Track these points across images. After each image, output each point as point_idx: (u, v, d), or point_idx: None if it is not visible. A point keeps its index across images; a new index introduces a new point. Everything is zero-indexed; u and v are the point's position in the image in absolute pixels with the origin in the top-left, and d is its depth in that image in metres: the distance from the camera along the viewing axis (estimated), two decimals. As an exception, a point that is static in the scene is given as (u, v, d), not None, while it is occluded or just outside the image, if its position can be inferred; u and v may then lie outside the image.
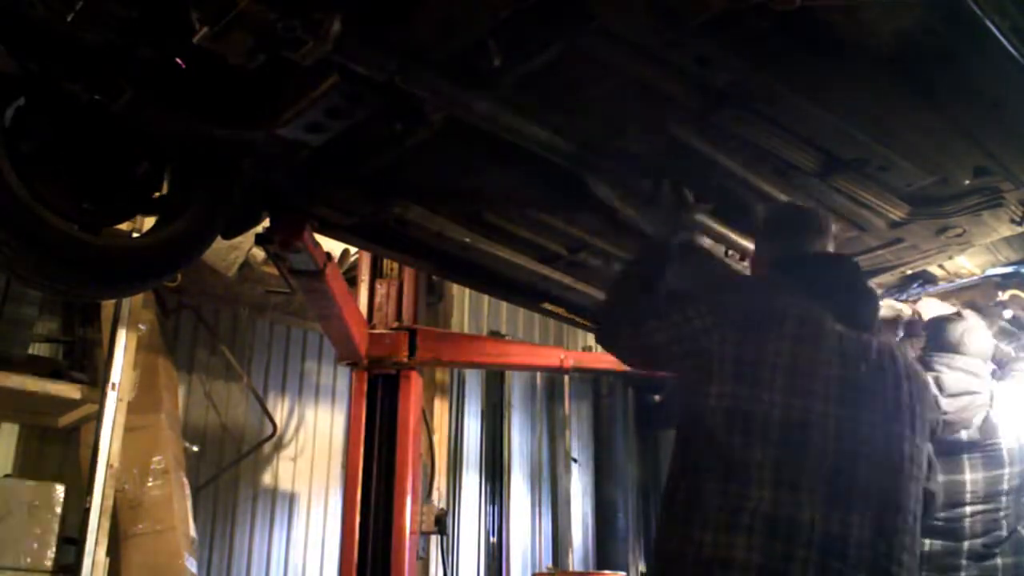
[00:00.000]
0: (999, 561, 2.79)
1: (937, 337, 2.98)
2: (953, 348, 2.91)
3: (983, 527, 2.82)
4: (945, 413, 2.73)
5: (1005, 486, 2.86)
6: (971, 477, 2.85)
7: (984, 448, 2.87)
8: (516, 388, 5.57)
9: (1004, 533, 2.82)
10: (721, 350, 1.92)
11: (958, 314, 2.99)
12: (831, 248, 2.24)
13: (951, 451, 2.79)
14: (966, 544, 2.79)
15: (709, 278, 2.64)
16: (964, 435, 2.84)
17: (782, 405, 1.86)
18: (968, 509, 2.82)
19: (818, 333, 1.94)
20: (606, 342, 2.28)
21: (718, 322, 1.95)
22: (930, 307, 3.09)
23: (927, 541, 2.74)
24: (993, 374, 3.02)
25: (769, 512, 1.78)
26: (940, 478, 2.73)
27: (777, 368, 1.88)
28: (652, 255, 2.29)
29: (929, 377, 2.73)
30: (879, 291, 2.96)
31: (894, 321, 3.09)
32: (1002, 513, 2.84)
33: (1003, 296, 3.08)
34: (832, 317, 1.98)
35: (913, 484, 1.94)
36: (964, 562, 2.78)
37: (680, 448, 2.02)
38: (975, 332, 2.94)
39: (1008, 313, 3.20)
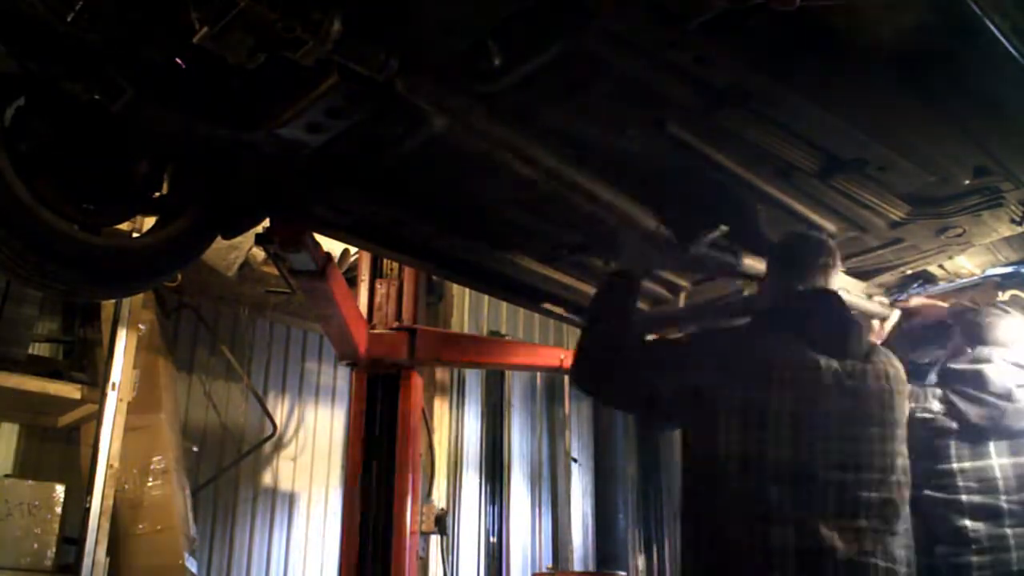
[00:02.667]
0: None
1: (980, 333, 2.96)
2: (1002, 343, 2.91)
3: None
4: (1019, 403, 2.77)
5: None
6: None
7: None
8: (516, 388, 5.57)
9: None
10: (728, 404, 2.07)
11: (996, 308, 2.98)
12: (835, 279, 2.34)
13: (1017, 435, 2.82)
14: None
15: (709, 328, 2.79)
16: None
17: (789, 448, 2.03)
18: None
19: (815, 376, 2.09)
20: (593, 384, 2.39)
21: (727, 380, 2.09)
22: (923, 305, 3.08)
23: (1009, 532, 2.76)
24: None
25: (795, 546, 1.95)
26: (1007, 460, 2.82)
27: (782, 415, 2.04)
28: (621, 293, 2.37)
29: (1010, 380, 2.79)
30: (882, 290, 2.97)
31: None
32: None
33: (1003, 296, 3.08)
34: (826, 355, 2.12)
35: (905, 490, 2.14)
36: None
37: (695, 491, 2.19)
38: (1015, 327, 2.94)
39: (1008, 313, 3.20)
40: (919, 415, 2.73)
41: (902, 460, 2.14)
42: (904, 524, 2.11)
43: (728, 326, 2.71)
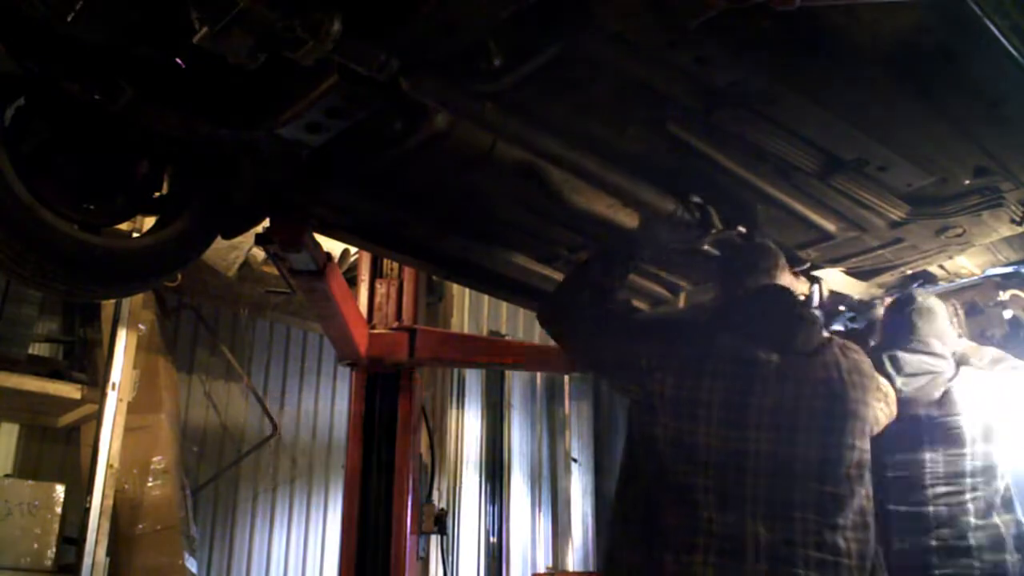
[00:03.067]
0: (976, 562, 2.61)
1: (889, 319, 2.91)
2: (907, 329, 2.81)
3: (948, 513, 2.66)
4: (900, 392, 2.63)
5: (967, 466, 2.70)
6: (930, 456, 2.71)
7: (943, 426, 2.72)
8: (516, 388, 5.57)
9: (972, 520, 2.66)
10: (662, 390, 2.16)
11: (910, 296, 2.90)
12: (779, 278, 2.40)
13: (910, 430, 2.68)
14: (934, 540, 2.64)
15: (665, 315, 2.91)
16: (922, 412, 2.72)
17: (718, 437, 2.09)
18: (930, 492, 2.68)
19: (750, 369, 2.15)
20: (549, 329, 2.52)
21: (661, 365, 2.19)
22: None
23: (896, 540, 2.66)
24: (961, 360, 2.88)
25: (718, 532, 2.02)
26: (899, 457, 2.69)
27: (712, 405, 2.11)
28: (616, 260, 2.45)
29: (885, 357, 2.71)
30: (883, 292, 2.97)
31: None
32: (968, 496, 2.68)
33: (1003, 296, 3.07)
34: (767, 349, 2.17)
35: (858, 484, 2.13)
36: (935, 560, 2.62)
37: (631, 469, 2.28)
38: (924, 313, 2.83)
39: (1008, 313, 3.18)
40: None
41: (856, 453, 2.13)
42: (857, 517, 2.09)
43: (691, 318, 2.79)
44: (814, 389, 2.14)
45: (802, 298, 2.64)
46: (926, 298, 2.87)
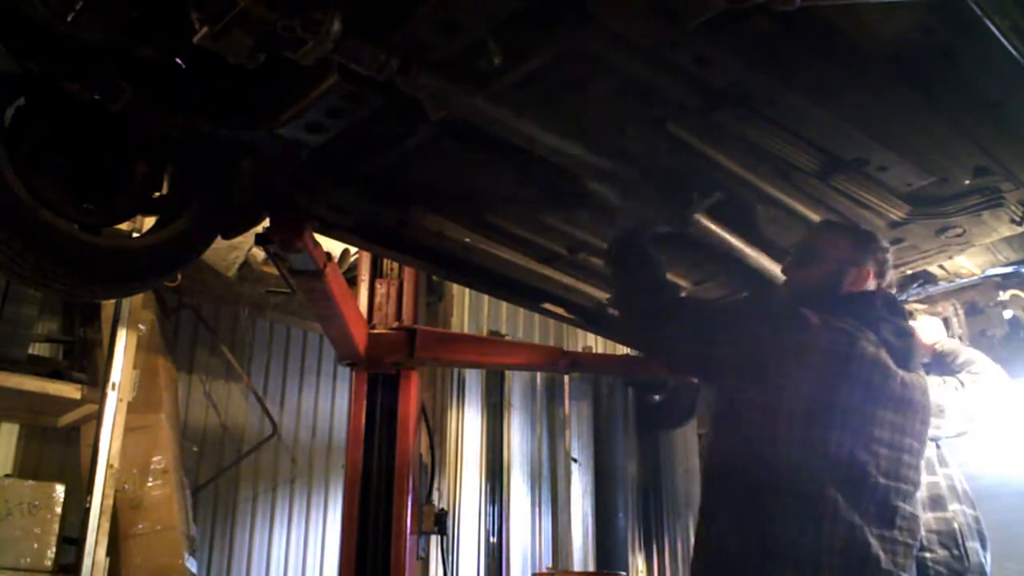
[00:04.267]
0: None
1: None
2: None
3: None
4: None
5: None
6: None
7: None
8: (516, 388, 5.56)
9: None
10: (797, 392, 1.99)
11: None
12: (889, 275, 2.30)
13: None
14: None
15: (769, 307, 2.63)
16: None
17: (848, 447, 1.97)
18: None
19: (884, 380, 2.06)
20: (644, 339, 2.43)
21: (799, 362, 2.02)
22: (923, 325, 3.03)
23: None
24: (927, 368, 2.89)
25: (843, 549, 1.90)
26: None
27: (848, 412, 2.00)
28: (640, 242, 2.34)
29: None
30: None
31: None
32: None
33: (1003, 296, 3.07)
34: (893, 360, 2.09)
35: (921, 510, 2.16)
36: None
37: (729, 481, 2.06)
38: None
39: (1008, 313, 3.19)
40: None
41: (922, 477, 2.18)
42: (919, 542, 2.12)
43: (777, 301, 2.57)
44: (917, 410, 2.12)
45: None
46: None
